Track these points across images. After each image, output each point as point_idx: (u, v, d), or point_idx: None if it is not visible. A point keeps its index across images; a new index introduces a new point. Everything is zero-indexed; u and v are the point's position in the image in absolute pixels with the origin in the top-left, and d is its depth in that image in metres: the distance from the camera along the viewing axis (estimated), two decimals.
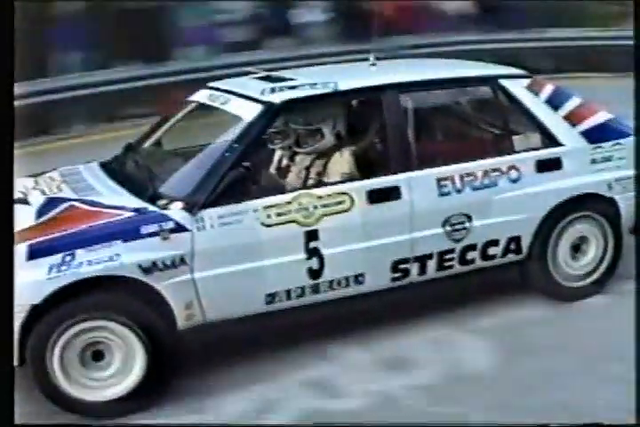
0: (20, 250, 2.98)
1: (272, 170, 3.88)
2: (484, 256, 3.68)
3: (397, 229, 3.47)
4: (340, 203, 3.36)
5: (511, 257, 3.75)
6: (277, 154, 3.87)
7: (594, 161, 3.81)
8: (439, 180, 3.51)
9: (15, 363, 3.04)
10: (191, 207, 3.17)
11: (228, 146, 3.31)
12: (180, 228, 3.14)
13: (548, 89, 3.86)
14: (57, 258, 3.00)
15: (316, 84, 3.51)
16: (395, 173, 3.46)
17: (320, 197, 3.33)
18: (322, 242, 3.34)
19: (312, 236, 3.32)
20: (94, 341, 3.09)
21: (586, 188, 3.78)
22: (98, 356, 3.12)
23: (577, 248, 3.91)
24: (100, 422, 3.07)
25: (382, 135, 3.54)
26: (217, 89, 3.85)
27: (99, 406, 3.12)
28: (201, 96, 3.93)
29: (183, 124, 4.04)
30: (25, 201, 3.43)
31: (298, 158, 3.74)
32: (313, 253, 3.34)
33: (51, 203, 3.36)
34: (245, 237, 3.23)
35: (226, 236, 3.20)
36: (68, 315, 3.02)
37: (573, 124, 3.81)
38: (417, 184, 3.47)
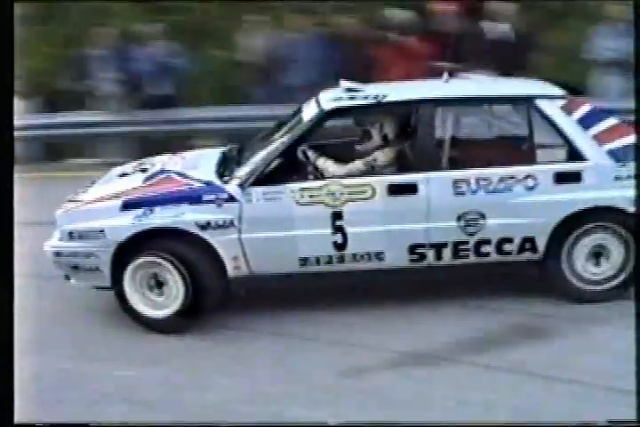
0: (117, 203, 4.18)
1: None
2: (500, 251, 4.22)
3: (414, 218, 4.15)
4: (362, 192, 4.13)
5: (528, 255, 4.25)
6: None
7: (618, 178, 4.17)
8: (456, 181, 4.13)
9: (108, 284, 4.25)
10: (243, 184, 4.14)
11: (281, 140, 4.24)
12: (232, 198, 4.12)
13: (583, 109, 4.30)
14: (140, 211, 4.14)
15: (368, 96, 4.30)
16: (416, 171, 4.16)
17: (347, 186, 4.13)
18: (346, 221, 4.14)
19: (337, 216, 4.13)
20: (157, 272, 4.19)
21: (606, 201, 4.16)
22: (160, 284, 4.24)
23: (598, 254, 4.30)
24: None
25: (415, 140, 4.25)
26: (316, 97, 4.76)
27: (156, 321, 4.23)
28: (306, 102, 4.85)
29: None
30: (144, 170, 4.63)
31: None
32: (338, 229, 4.15)
33: (159, 172, 4.52)
34: (282, 211, 4.13)
35: (267, 208, 4.13)
36: (139, 252, 4.15)
37: (602, 143, 4.21)
38: (434, 183, 4.13)
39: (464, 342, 4.05)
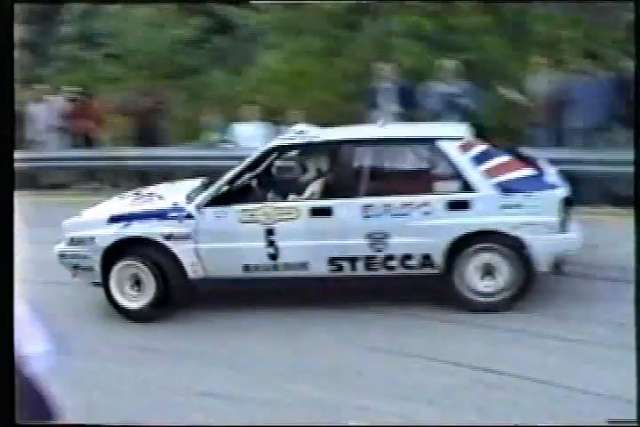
0: (104, 215, 5.40)
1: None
2: (404, 266, 5.08)
3: (331, 236, 5.09)
4: (290, 213, 5.12)
5: (429, 270, 5.07)
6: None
7: (504, 206, 4.93)
8: (364, 206, 5.04)
9: (99, 281, 5.43)
10: (199, 205, 5.25)
11: (232, 171, 5.31)
12: (190, 216, 5.24)
13: (478, 148, 5.12)
14: (122, 224, 5.34)
15: (305, 136, 5.31)
16: (334, 198, 5.11)
17: (277, 208, 5.14)
18: (277, 237, 5.15)
19: (270, 232, 5.15)
20: (133, 273, 5.34)
21: (491, 226, 4.95)
22: (137, 283, 5.38)
23: (488, 271, 5.04)
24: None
25: (336, 172, 5.20)
26: None
27: (134, 312, 5.36)
28: None
29: None
30: (137, 193, 5.85)
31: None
32: (271, 243, 5.16)
33: (145, 195, 5.73)
34: (228, 227, 5.20)
35: (217, 225, 5.22)
36: (121, 256, 5.32)
37: (491, 177, 4.98)
38: (346, 207, 5.06)
39: None
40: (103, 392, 4.32)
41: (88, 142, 10.86)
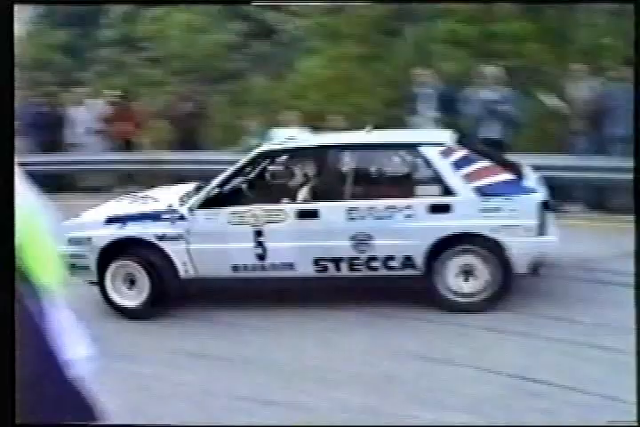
0: (101, 217, 5.61)
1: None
2: (386, 267, 5.25)
3: (317, 237, 5.28)
4: (278, 215, 5.32)
5: (410, 271, 5.25)
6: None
7: (484, 210, 5.10)
8: (349, 209, 5.23)
9: (95, 280, 5.64)
10: (191, 207, 5.46)
11: (222, 174, 5.52)
12: (182, 218, 5.45)
13: (458, 154, 5.28)
14: (118, 225, 5.56)
15: (293, 142, 5.51)
16: (320, 200, 5.31)
17: (266, 210, 5.34)
18: (265, 238, 5.34)
19: (259, 233, 5.35)
20: (128, 272, 5.55)
21: (470, 228, 5.12)
22: (133, 281, 5.58)
23: (468, 272, 5.21)
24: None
25: (322, 176, 5.40)
26: None
27: (129, 310, 5.57)
28: None
29: None
30: (135, 196, 6.06)
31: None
32: (259, 244, 5.36)
33: (141, 197, 5.96)
34: (218, 229, 5.40)
35: (207, 226, 5.42)
36: (117, 256, 5.53)
37: (470, 181, 5.16)
38: (331, 210, 5.25)
39: None
40: (144, 395, 4.32)
41: (127, 146, 10.98)
